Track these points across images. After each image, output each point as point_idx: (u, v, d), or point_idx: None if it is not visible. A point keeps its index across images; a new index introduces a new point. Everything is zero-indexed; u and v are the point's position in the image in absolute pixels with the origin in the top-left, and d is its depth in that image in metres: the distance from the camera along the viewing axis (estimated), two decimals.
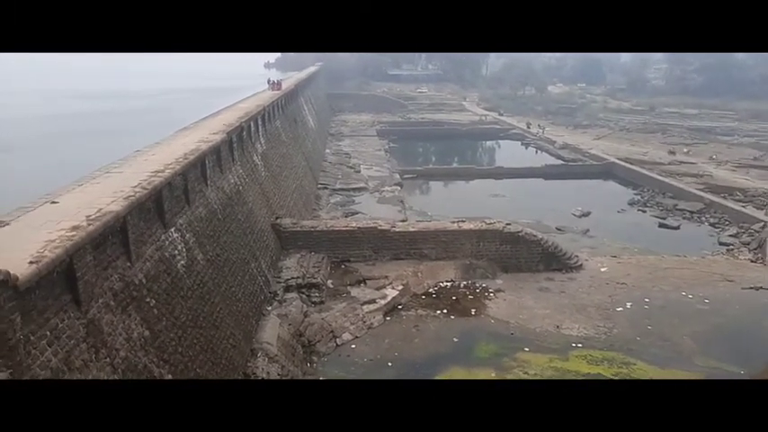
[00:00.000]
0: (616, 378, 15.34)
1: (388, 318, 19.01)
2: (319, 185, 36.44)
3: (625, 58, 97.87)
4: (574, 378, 15.14)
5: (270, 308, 17.86)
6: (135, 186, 11.77)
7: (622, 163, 43.78)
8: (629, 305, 19.88)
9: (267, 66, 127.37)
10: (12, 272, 7.02)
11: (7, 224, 9.20)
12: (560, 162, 47.51)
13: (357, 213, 30.52)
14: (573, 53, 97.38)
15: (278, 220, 22.71)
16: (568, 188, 39.95)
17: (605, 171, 43.91)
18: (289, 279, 19.74)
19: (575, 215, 32.50)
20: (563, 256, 23.13)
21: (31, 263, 7.60)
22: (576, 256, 23.58)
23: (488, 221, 23.43)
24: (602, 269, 22.99)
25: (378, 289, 20.29)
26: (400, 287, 20.48)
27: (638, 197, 36.94)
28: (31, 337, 7.53)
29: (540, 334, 18.03)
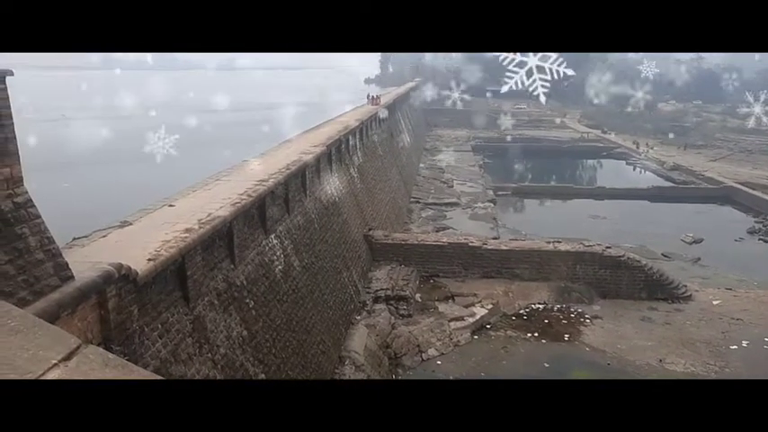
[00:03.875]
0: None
1: (475, 336, 18.67)
2: (412, 199, 36.70)
3: (748, 74, 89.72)
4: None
5: (359, 317, 18.20)
6: (241, 194, 12.56)
7: (742, 187, 40.05)
8: (744, 343, 18.11)
9: (367, 81, 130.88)
10: (132, 267, 7.74)
11: (131, 224, 10.16)
12: (670, 184, 44.42)
13: (448, 229, 30.33)
14: (685, 69, 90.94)
15: (370, 232, 23.16)
16: (678, 212, 37.16)
17: (722, 195, 40.40)
18: (378, 290, 20.02)
19: (684, 242, 30.14)
20: (669, 285, 21.54)
21: (149, 260, 8.33)
22: (685, 286, 21.87)
23: (587, 243, 22.41)
24: (715, 302, 21.12)
25: (466, 306, 20.02)
26: (490, 306, 20.06)
27: (760, 225, 33.55)
28: (146, 329, 8.23)
29: (640, 366, 16.87)
